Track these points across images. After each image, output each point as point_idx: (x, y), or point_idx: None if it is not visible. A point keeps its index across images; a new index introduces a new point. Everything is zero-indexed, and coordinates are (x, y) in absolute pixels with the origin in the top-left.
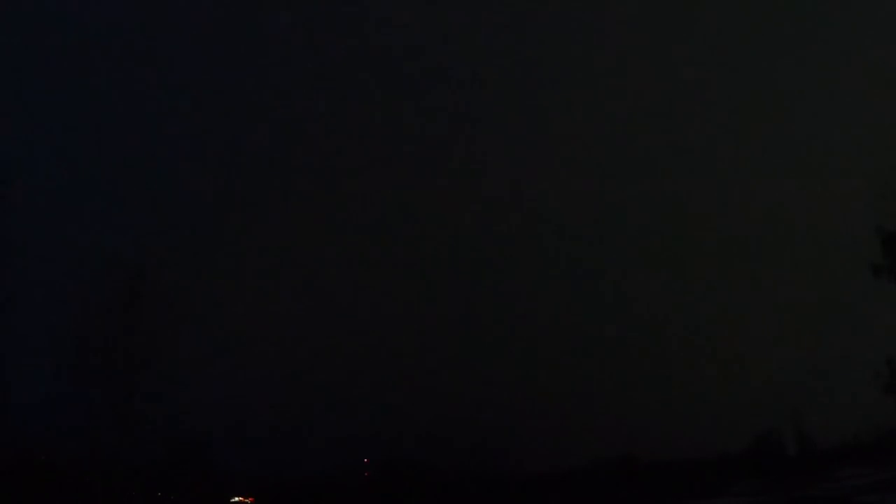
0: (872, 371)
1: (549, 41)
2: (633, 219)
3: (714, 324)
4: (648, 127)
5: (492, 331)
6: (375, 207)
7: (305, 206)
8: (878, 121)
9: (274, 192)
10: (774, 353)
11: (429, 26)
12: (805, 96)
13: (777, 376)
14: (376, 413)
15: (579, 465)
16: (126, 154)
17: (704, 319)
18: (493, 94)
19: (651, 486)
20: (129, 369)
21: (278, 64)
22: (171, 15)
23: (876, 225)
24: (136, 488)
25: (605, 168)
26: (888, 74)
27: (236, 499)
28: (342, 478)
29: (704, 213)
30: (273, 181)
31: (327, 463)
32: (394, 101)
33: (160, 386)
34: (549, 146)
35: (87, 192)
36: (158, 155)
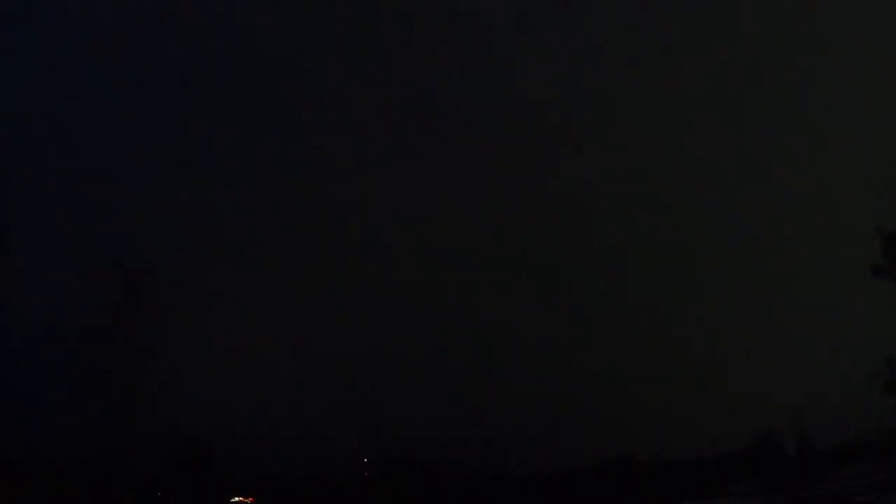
0: (872, 371)
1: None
2: (632, 218)
3: (714, 323)
4: (646, 126)
5: (492, 330)
6: (376, 207)
7: (306, 206)
8: (879, 121)
9: (275, 192)
10: (774, 353)
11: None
12: (804, 95)
13: (777, 376)
14: (376, 413)
15: (579, 465)
16: (126, 154)
17: (704, 319)
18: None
19: (651, 486)
20: (129, 370)
21: (282, 64)
22: (174, 14)
23: (876, 225)
24: (136, 488)
25: (605, 167)
26: (889, 73)
27: (236, 499)
28: (342, 478)
29: (703, 213)
30: (274, 180)
31: (327, 463)
32: (399, 97)
33: (160, 386)
34: (540, 142)
35: (87, 192)
36: (159, 154)
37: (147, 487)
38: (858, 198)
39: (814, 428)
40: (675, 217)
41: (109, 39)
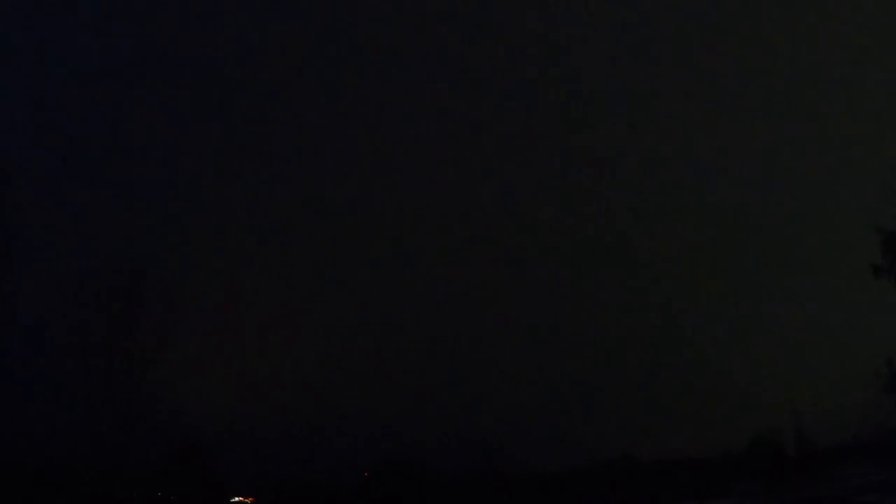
0: (872, 371)
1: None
2: (631, 219)
3: (714, 324)
4: (646, 127)
5: (492, 331)
6: (376, 207)
7: (306, 206)
8: (879, 121)
9: (275, 192)
10: (774, 353)
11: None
12: (804, 95)
13: (777, 376)
14: (376, 413)
15: (579, 465)
16: (127, 153)
17: (705, 319)
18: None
19: (651, 486)
20: (129, 370)
21: (282, 64)
22: (174, 16)
23: (876, 225)
24: (136, 488)
25: (605, 171)
26: (889, 73)
27: (236, 499)
28: (342, 478)
29: (703, 213)
30: (275, 180)
31: (327, 463)
32: (400, 97)
33: (160, 386)
34: (543, 142)
35: (87, 191)
36: (160, 154)
37: (147, 487)
38: (858, 198)
39: (814, 428)
40: (675, 219)
41: (110, 42)
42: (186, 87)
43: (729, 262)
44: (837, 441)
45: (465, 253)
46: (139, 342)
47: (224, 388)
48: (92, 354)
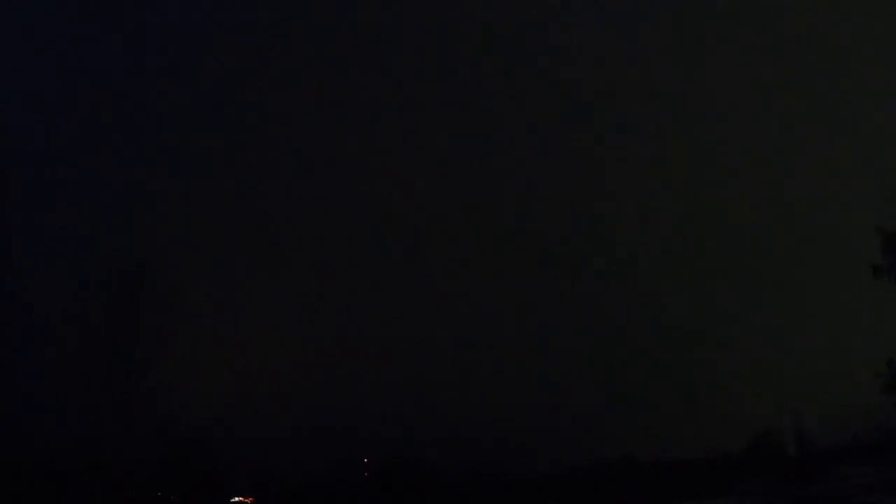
0: (872, 371)
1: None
2: (630, 218)
3: (714, 323)
4: (649, 125)
5: (492, 331)
6: (376, 207)
7: (306, 206)
8: (879, 120)
9: (275, 192)
10: (774, 353)
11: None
12: (804, 95)
13: (777, 376)
14: (376, 413)
15: (579, 465)
16: (127, 153)
17: (705, 319)
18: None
19: (651, 486)
20: (129, 369)
21: (284, 61)
22: (172, 14)
23: (876, 225)
24: (136, 488)
25: (606, 169)
26: (889, 73)
27: (236, 499)
28: (342, 478)
29: (703, 213)
30: (274, 180)
31: (327, 463)
32: (402, 97)
33: (160, 386)
34: (544, 142)
35: (87, 191)
36: (160, 154)
37: (147, 487)
38: (858, 198)
39: (814, 428)
40: (675, 219)
41: (108, 40)
42: (186, 85)
43: (728, 262)
44: (837, 441)
45: (466, 253)
46: (139, 342)
47: (223, 388)
48: (92, 354)
